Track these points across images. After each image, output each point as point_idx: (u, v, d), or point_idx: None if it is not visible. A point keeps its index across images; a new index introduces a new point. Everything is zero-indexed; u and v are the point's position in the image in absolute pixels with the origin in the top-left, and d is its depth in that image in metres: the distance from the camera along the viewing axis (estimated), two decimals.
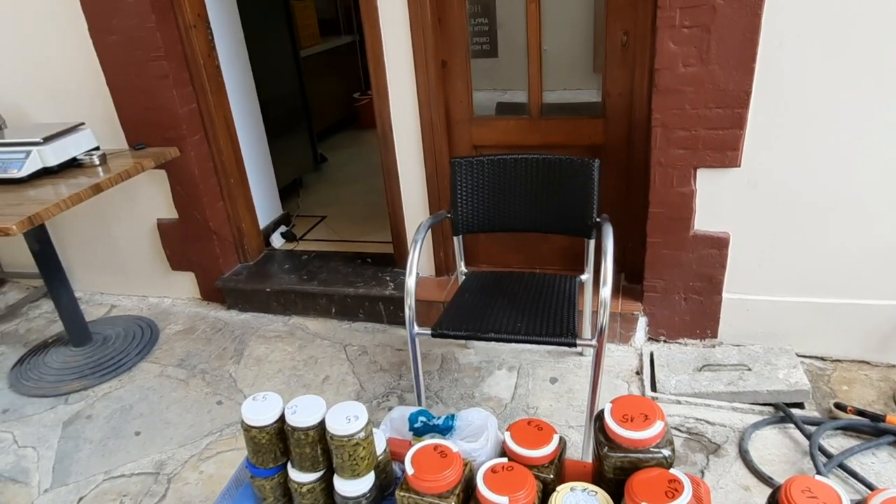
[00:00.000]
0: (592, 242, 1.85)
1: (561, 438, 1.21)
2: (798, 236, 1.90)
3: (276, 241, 2.91)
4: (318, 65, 4.39)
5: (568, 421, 1.83)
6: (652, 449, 1.08)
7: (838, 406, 1.77)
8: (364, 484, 1.15)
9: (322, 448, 1.17)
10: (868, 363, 1.97)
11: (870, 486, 1.51)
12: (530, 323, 1.62)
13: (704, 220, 1.95)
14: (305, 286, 2.49)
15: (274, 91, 3.38)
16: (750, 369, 1.89)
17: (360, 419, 1.12)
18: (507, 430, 1.21)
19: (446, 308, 1.74)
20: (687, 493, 0.99)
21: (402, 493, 1.12)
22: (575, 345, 1.53)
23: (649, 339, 2.16)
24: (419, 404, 1.72)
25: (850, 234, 1.85)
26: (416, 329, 1.64)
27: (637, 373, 2.01)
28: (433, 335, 1.62)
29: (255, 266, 2.73)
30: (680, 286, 2.05)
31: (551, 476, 1.16)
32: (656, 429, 1.07)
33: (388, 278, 2.47)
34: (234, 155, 2.65)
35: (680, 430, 1.76)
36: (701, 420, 1.79)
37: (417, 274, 2.43)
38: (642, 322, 2.13)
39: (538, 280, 1.87)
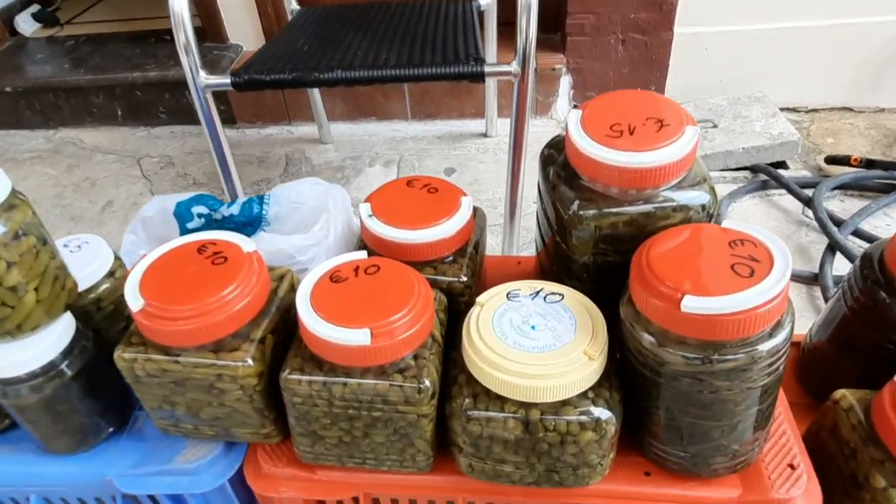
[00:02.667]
0: None
1: (475, 209, 0.61)
2: None
3: (26, 25, 1.94)
4: None
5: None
6: (666, 192, 0.50)
7: (833, 160, 1.30)
8: (42, 344, 0.50)
9: None
10: (851, 109, 1.51)
11: None
12: (405, 50, 0.94)
13: None
14: (69, 77, 1.63)
15: None
16: (716, 125, 1.37)
17: None
18: (366, 200, 0.58)
19: (263, 47, 1.02)
20: (782, 261, 0.42)
21: (126, 355, 0.48)
22: (482, 76, 0.89)
23: (575, 106, 1.57)
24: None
25: None
26: (204, 77, 0.92)
27: None
28: (235, 85, 0.92)
29: None
30: (617, 22, 1.43)
31: (463, 278, 0.56)
32: (687, 142, 0.48)
33: None
34: None
35: None
36: None
37: (236, 52, 1.64)
38: (565, 82, 1.53)
39: (412, 8, 1.17)
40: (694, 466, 0.49)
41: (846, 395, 0.55)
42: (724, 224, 0.46)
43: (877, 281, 0.58)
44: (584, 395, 0.45)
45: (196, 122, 1.67)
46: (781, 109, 1.52)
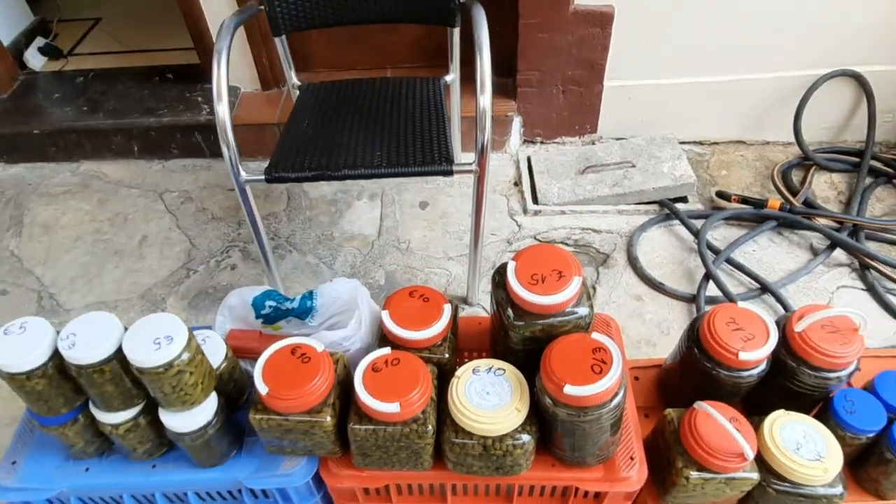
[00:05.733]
0: (457, 31, 1.46)
1: (453, 307, 0.96)
2: (686, 9, 1.62)
3: (35, 60, 2.15)
4: None
5: (446, 252, 1.60)
6: (568, 311, 0.86)
7: (720, 195, 1.68)
8: (203, 413, 0.85)
9: (132, 379, 0.83)
10: (744, 143, 1.89)
11: (756, 279, 1.47)
12: (393, 150, 1.27)
13: None
14: (90, 121, 1.88)
15: None
16: (634, 166, 1.73)
17: (175, 340, 0.77)
18: (384, 308, 0.93)
19: (280, 141, 1.32)
20: (616, 363, 0.79)
21: (258, 417, 0.84)
22: (451, 173, 1.22)
23: (525, 141, 1.91)
24: (266, 265, 1.38)
25: (738, 5, 1.61)
26: (245, 175, 1.23)
27: (515, 184, 1.78)
28: (268, 181, 1.23)
29: (10, 99, 2.01)
30: (558, 77, 1.76)
31: (447, 355, 0.92)
32: (573, 288, 0.84)
33: (199, 99, 1.92)
34: None
35: (567, 244, 1.60)
36: (587, 229, 1.64)
37: (235, 94, 1.91)
38: (517, 123, 1.85)
39: (393, 87, 1.48)
40: (578, 462, 0.88)
41: (671, 412, 0.94)
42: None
43: (695, 341, 0.97)
44: (516, 430, 0.83)
45: (203, 156, 1.96)
46: (690, 143, 1.89)
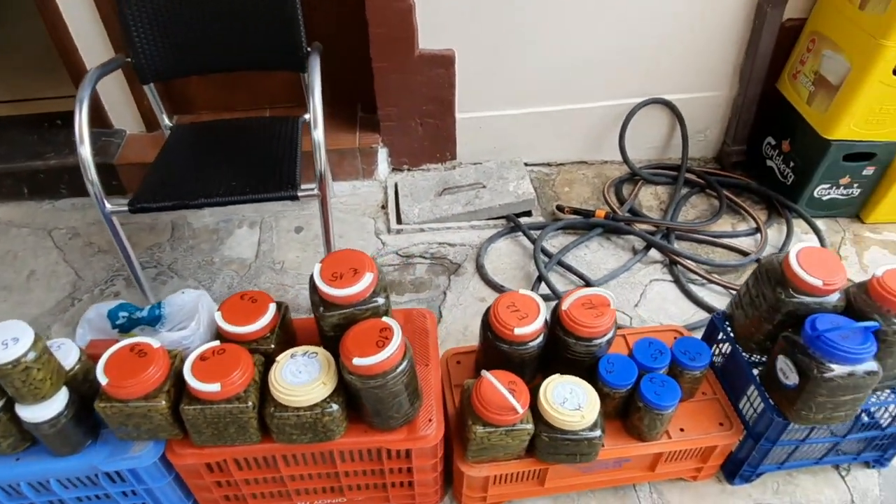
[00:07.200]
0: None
1: (280, 305, 1.14)
2: (518, 49, 1.89)
3: None
4: None
5: None
6: (366, 300, 1.05)
7: (559, 208, 1.94)
8: (54, 405, 0.99)
9: None
10: (586, 163, 2.17)
11: (582, 277, 1.72)
12: (247, 179, 1.44)
13: (428, 38, 1.85)
14: None
15: None
16: (485, 186, 1.96)
17: (21, 340, 0.92)
18: (218, 309, 1.10)
19: (146, 176, 1.48)
20: (396, 337, 0.99)
21: (101, 405, 0.99)
22: (297, 197, 1.41)
23: (393, 169, 2.12)
24: (140, 289, 1.52)
25: (563, 45, 1.89)
26: (108, 206, 1.38)
27: (382, 207, 1.99)
28: (132, 211, 1.38)
29: None
30: (414, 111, 1.99)
31: (272, 346, 1.10)
32: (366, 281, 1.03)
33: None
34: None
35: (425, 257, 1.81)
36: (444, 244, 1.85)
37: (121, 137, 2.03)
38: (383, 154, 2.07)
39: (256, 126, 1.67)
40: (383, 425, 1.06)
41: (467, 382, 1.15)
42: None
43: (486, 324, 1.18)
44: (325, 400, 1.00)
45: None
46: (539, 164, 2.15)
